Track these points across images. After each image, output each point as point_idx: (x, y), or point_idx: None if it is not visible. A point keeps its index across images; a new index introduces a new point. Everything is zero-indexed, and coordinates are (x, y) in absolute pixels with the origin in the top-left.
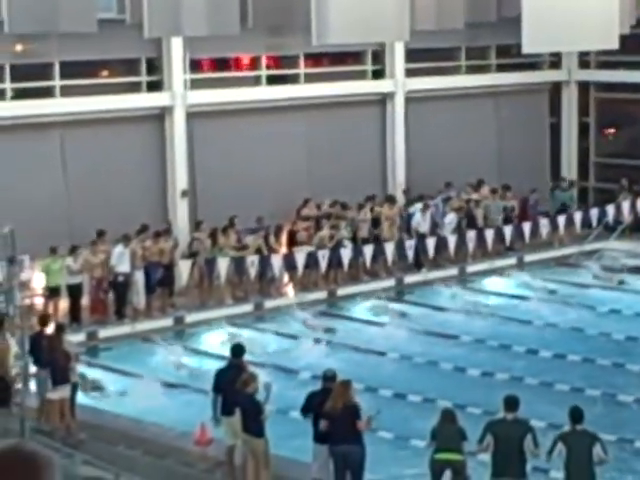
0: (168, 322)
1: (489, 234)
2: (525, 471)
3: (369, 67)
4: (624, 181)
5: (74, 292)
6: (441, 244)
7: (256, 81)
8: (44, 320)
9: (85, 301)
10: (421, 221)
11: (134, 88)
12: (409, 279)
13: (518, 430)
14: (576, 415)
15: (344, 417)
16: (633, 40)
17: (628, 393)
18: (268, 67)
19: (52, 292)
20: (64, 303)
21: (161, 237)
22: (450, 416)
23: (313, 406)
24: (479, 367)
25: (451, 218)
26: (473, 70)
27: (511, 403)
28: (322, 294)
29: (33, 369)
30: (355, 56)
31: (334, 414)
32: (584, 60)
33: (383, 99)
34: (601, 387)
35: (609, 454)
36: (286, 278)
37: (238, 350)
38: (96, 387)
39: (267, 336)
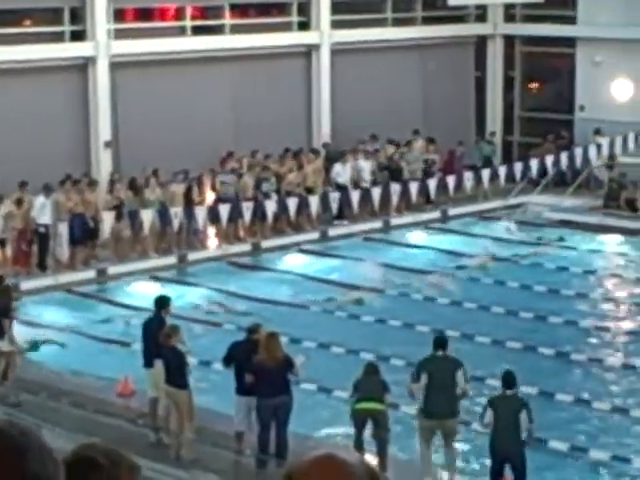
0: (91, 274)
1: (413, 187)
2: (457, 408)
3: (295, 19)
4: (550, 137)
5: None
6: (366, 197)
7: (181, 31)
8: None
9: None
10: (341, 172)
11: (57, 38)
12: (333, 232)
13: (450, 366)
14: (508, 379)
15: (276, 369)
16: None
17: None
18: (193, 17)
19: None
20: None
21: (87, 188)
22: (372, 369)
23: (236, 358)
24: (403, 319)
25: (362, 165)
26: (399, 22)
27: (440, 343)
28: (246, 246)
29: None
30: (281, 7)
31: (266, 367)
32: (510, 13)
33: (309, 51)
34: (522, 340)
35: (534, 422)
36: (210, 230)
37: (162, 302)
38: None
39: (192, 288)
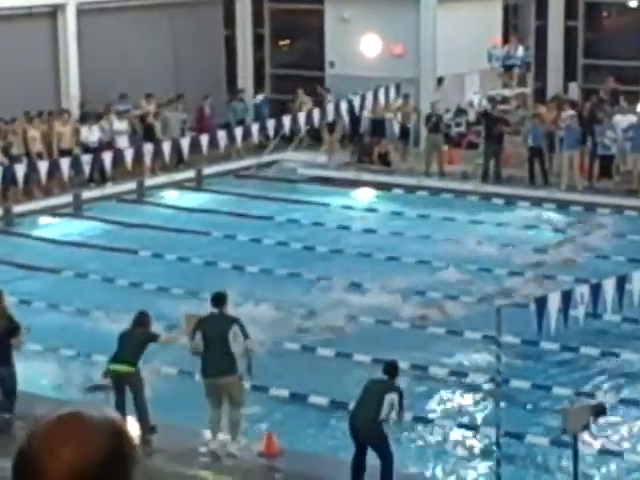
0: None
1: (166, 147)
2: (235, 367)
3: None
4: (300, 92)
5: None
6: (118, 158)
7: None
8: None
9: None
10: (88, 134)
11: None
12: (87, 195)
13: (224, 324)
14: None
15: None
16: None
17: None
18: None
19: None
20: None
21: None
22: (141, 319)
23: None
24: (156, 281)
25: (117, 127)
26: None
27: (217, 299)
28: None
29: None
30: None
31: None
32: None
33: (54, 11)
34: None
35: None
36: None
37: None
38: None
39: None
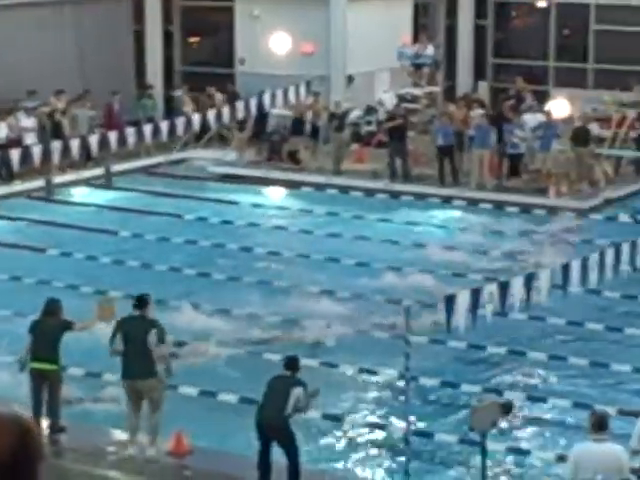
0: None
1: (75, 144)
2: (154, 370)
3: None
4: (212, 90)
5: None
6: (26, 155)
7: None
8: None
9: None
10: None
11: None
12: None
13: (144, 326)
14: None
15: None
16: None
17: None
18: None
19: None
20: None
21: None
22: (52, 307)
23: None
24: (64, 280)
25: (29, 123)
26: None
27: (140, 301)
28: None
29: None
30: None
31: None
32: None
33: None
34: (186, 297)
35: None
36: None
37: None
38: None
39: None
